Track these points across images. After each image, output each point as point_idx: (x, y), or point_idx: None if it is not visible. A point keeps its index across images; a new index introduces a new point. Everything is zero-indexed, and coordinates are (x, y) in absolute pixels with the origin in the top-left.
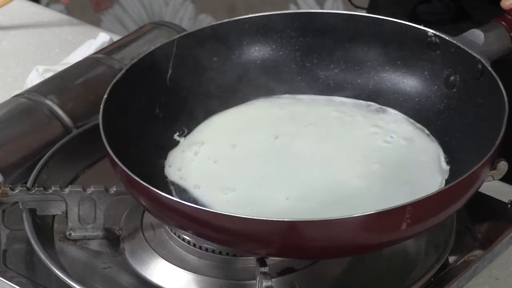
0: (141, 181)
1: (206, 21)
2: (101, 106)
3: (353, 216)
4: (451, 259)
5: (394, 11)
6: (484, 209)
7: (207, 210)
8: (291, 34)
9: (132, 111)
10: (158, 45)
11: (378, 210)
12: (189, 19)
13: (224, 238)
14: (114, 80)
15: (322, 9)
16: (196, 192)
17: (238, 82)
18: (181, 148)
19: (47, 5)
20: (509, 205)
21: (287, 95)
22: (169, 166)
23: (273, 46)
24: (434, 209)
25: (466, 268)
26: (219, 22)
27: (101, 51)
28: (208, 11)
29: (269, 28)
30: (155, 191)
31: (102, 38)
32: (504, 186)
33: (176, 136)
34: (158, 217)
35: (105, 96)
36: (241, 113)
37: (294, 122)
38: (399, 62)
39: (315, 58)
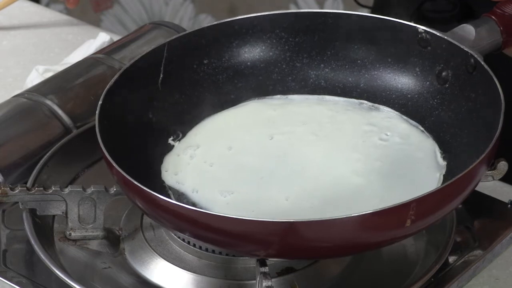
0: (137, 183)
1: (206, 21)
2: (97, 112)
3: (358, 214)
4: (451, 259)
5: (399, 9)
6: (484, 209)
7: (205, 212)
8: (280, 35)
9: (127, 117)
10: (149, 49)
11: (383, 208)
12: (189, 19)
13: (223, 240)
14: (108, 86)
15: (322, 9)
16: (195, 196)
17: (230, 84)
18: (176, 152)
19: (47, 5)
20: (509, 205)
21: (279, 96)
22: (166, 171)
23: (263, 47)
24: (437, 205)
25: (466, 268)
26: (208, 24)
27: (101, 51)
28: (208, 11)
29: (258, 29)
30: (151, 193)
31: (102, 38)
32: (504, 186)
33: (170, 140)
34: (155, 219)
35: (100, 102)
36: (234, 115)
37: (288, 122)
38: (389, 60)
39: (305, 57)
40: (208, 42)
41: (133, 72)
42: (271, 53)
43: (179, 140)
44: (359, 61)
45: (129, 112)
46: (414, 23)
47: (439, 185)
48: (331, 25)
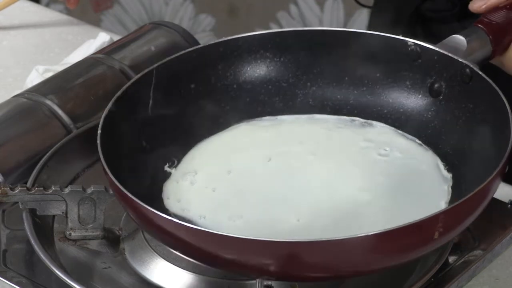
0: (129, 194)
1: (206, 21)
2: (98, 141)
3: (389, 229)
4: (451, 259)
5: (398, 9)
6: (484, 209)
7: (214, 233)
8: (265, 55)
9: (125, 146)
10: (138, 76)
11: (413, 221)
12: (189, 19)
13: (226, 262)
14: (104, 115)
15: (322, 9)
16: (203, 222)
17: (218, 107)
18: (175, 179)
19: (47, 5)
20: (509, 205)
21: (268, 117)
22: (168, 198)
23: (248, 69)
24: (463, 215)
25: (466, 268)
26: (194, 47)
27: (101, 51)
28: (208, 11)
29: (243, 50)
30: (143, 206)
31: (102, 38)
32: (504, 186)
33: (166, 168)
34: (150, 234)
35: (99, 131)
36: (227, 139)
37: (283, 143)
38: (378, 75)
39: (291, 77)
40: (194, 66)
41: (124, 100)
42: (256, 74)
43: (175, 167)
44: (346, 78)
45: (125, 142)
46: (404, 36)
47: (449, 197)
48: (316, 43)
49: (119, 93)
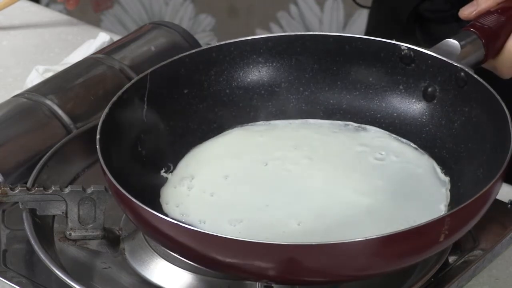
0: (129, 195)
1: (206, 21)
2: (97, 146)
3: (395, 232)
4: (451, 259)
5: (396, 9)
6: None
7: (214, 235)
8: (257, 60)
9: (123, 152)
10: (132, 81)
11: (420, 224)
12: (189, 19)
13: (226, 265)
14: (101, 120)
15: (322, 9)
16: (203, 227)
17: (211, 112)
18: (172, 184)
19: (47, 5)
20: (509, 205)
21: (261, 122)
22: (166, 204)
23: (241, 74)
24: (468, 217)
25: (466, 268)
26: (187, 53)
27: (101, 51)
28: (208, 11)
29: (235, 55)
30: (142, 207)
31: (102, 38)
32: (504, 186)
33: (163, 173)
34: (149, 236)
35: (98, 136)
36: (222, 144)
37: (279, 148)
38: (371, 79)
39: (283, 82)
40: (187, 72)
41: (119, 106)
42: (248, 79)
43: (171, 172)
44: (339, 83)
45: (122, 147)
46: (397, 40)
47: (448, 200)
48: (309, 48)
49: (114, 98)
